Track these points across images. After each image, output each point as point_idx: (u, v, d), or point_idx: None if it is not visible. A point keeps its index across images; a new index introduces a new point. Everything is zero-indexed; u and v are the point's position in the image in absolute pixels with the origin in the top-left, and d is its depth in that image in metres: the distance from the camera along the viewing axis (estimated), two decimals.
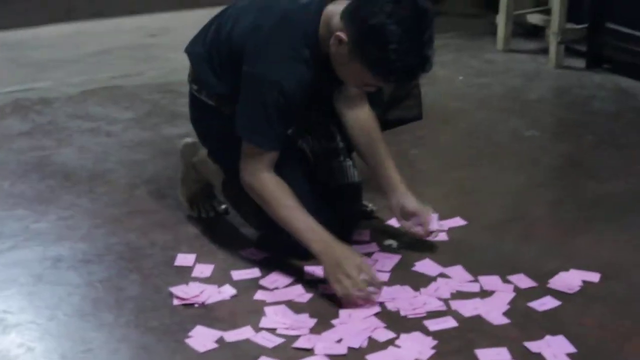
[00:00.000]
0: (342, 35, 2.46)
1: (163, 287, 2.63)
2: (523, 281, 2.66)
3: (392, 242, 2.87)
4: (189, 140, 3.03)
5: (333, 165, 2.84)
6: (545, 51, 4.81)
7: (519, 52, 4.95)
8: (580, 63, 4.75)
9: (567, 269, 2.71)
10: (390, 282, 2.65)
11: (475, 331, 2.43)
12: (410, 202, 2.81)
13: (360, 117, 2.82)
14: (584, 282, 2.66)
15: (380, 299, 2.55)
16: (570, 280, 2.66)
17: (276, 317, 2.47)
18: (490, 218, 3.06)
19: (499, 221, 3.04)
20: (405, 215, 2.81)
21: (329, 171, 2.84)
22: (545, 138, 3.78)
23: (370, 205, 3.02)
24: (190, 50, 2.82)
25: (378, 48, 2.40)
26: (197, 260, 2.77)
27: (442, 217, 3.01)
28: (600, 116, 4.03)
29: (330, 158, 2.84)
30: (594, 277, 2.68)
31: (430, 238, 2.82)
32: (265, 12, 2.60)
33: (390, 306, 2.53)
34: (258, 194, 2.62)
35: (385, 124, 2.92)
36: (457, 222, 3.02)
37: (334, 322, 2.46)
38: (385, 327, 2.43)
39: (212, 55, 2.72)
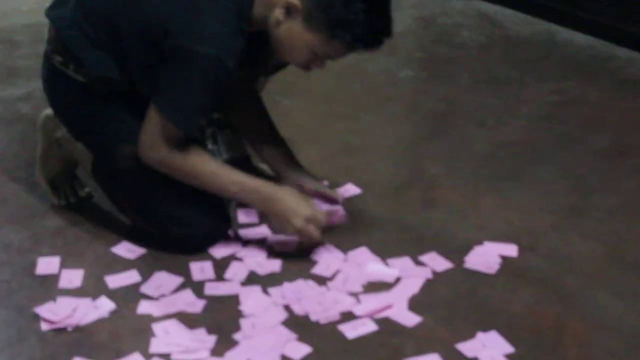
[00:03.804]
0: (295, 1, 2.01)
1: (27, 306, 2.08)
2: (437, 262, 2.26)
3: None
4: (50, 112, 2.43)
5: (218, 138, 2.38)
6: None
7: None
8: None
9: (480, 242, 2.33)
10: (290, 276, 2.20)
11: (399, 334, 2.02)
12: (309, 180, 2.40)
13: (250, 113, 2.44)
14: (502, 257, 2.28)
15: (285, 301, 2.10)
16: (487, 256, 2.28)
17: (168, 337, 1.98)
18: (386, 182, 2.64)
19: (396, 186, 2.62)
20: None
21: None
22: (421, 78, 3.36)
23: (265, 168, 2.57)
24: (57, 16, 2.20)
25: (344, 10, 1.99)
26: (63, 265, 2.23)
27: (333, 185, 2.57)
28: (472, 49, 3.65)
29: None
30: (512, 250, 2.31)
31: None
32: None
33: (298, 309, 2.08)
34: (173, 168, 2.16)
35: None
36: (351, 189, 2.58)
37: (236, 336, 1.99)
38: (298, 339, 1.98)
39: (100, 30, 2.14)
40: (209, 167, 2.16)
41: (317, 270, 2.21)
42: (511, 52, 3.61)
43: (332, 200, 2.40)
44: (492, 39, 3.75)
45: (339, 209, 2.38)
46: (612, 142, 2.88)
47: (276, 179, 2.41)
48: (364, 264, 2.23)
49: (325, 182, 2.51)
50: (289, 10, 2.04)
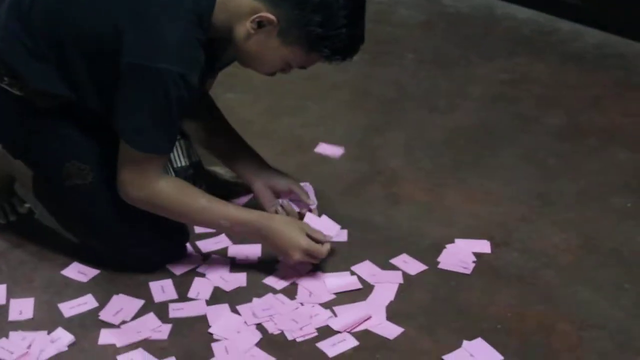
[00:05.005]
0: (270, 16, 1.84)
1: None
2: (410, 265, 2.14)
3: None
4: None
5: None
6: None
7: None
8: None
9: (451, 239, 2.22)
10: (258, 289, 2.05)
11: (381, 348, 1.89)
12: (279, 180, 2.24)
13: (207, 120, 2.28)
14: (476, 254, 2.17)
15: (257, 319, 1.95)
16: (460, 255, 2.17)
17: None
18: (344, 179, 2.50)
19: (356, 182, 2.49)
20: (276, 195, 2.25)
21: None
22: (365, 61, 3.19)
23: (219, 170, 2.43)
24: None
25: (325, 26, 1.85)
26: (10, 293, 2.04)
27: None
28: (413, 28, 3.52)
29: None
30: (485, 246, 2.20)
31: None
32: None
33: (272, 328, 1.94)
34: (160, 206, 1.98)
35: None
36: (308, 188, 2.40)
37: None
38: None
39: (40, 41, 1.92)
40: (199, 202, 1.99)
41: (268, 281, 2.07)
42: (452, 30, 3.49)
43: (302, 201, 2.26)
44: (431, 16, 3.62)
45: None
46: (568, 121, 2.80)
47: (246, 183, 2.27)
48: (325, 276, 2.09)
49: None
50: (262, 24, 1.88)
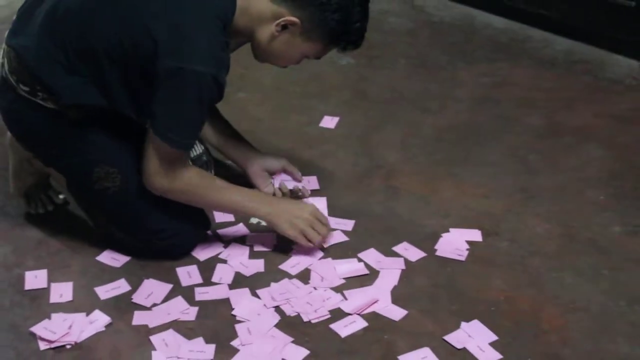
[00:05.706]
0: (294, 19, 1.83)
1: (22, 325, 1.84)
2: (410, 252, 2.09)
3: (256, 220, 2.18)
4: None
5: None
6: None
7: None
8: None
9: (446, 229, 2.17)
10: (275, 275, 2.01)
11: (388, 329, 1.85)
12: (273, 162, 2.22)
13: None
14: (469, 243, 2.13)
15: (275, 303, 1.91)
16: (455, 243, 2.13)
17: (168, 350, 1.77)
18: (347, 173, 2.45)
19: (358, 175, 2.44)
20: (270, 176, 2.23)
21: None
22: (362, 65, 3.16)
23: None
24: (21, 44, 1.88)
25: (345, 22, 1.85)
26: (51, 278, 1.98)
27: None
28: (401, 35, 3.45)
29: None
30: (476, 235, 2.16)
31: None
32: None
33: (289, 310, 1.89)
34: (186, 193, 1.95)
35: None
36: (315, 183, 2.38)
37: (234, 344, 1.80)
38: (294, 342, 1.80)
39: (73, 55, 1.84)
40: (216, 186, 1.97)
41: (284, 266, 2.03)
42: (437, 37, 3.43)
43: (294, 177, 2.23)
44: (417, 24, 3.56)
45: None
46: (545, 121, 2.75)
47: (240, 167, 2.23)
48: (335, 263, 2.04)
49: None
50: (286, 27, 1.84)
